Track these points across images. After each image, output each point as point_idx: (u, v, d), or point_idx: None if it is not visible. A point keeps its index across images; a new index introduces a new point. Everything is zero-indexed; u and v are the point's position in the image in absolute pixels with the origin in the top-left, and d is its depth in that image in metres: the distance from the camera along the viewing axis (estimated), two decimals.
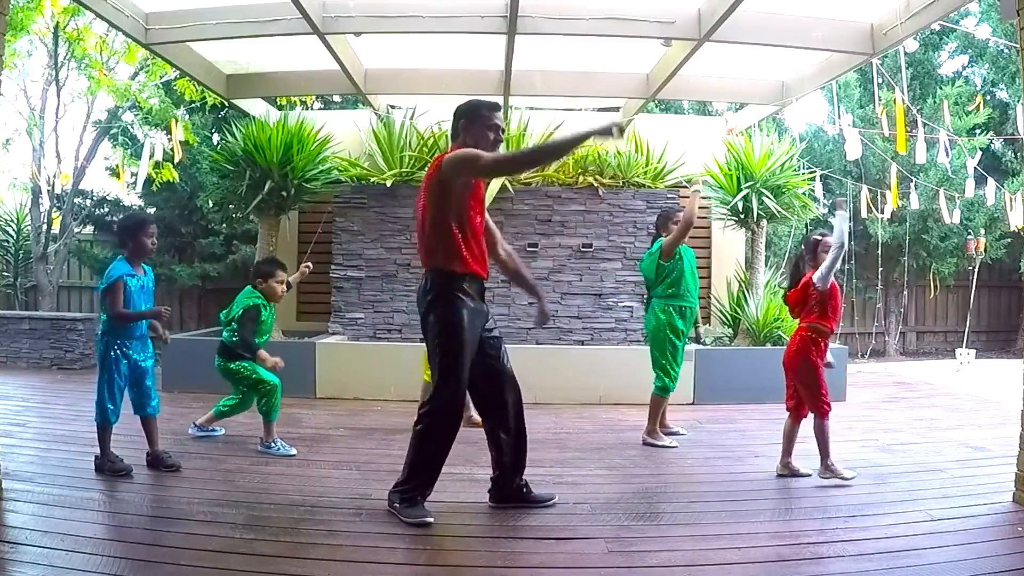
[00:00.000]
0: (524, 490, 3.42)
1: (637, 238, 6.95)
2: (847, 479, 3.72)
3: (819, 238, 3.82)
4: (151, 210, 9.78)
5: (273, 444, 4.29)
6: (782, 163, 6.93)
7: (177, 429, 4.73)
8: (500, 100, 7.26)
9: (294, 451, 4.27)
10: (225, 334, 4.41)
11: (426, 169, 3.33)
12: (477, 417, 5.03)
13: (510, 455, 3.37)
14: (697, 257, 7.72)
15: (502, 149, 3.39)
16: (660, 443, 4.60)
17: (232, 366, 4.35)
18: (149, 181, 8.61)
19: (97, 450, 3.82)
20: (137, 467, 3.81)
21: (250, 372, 4.32)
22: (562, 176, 7.19)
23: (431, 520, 3.11)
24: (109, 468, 3.75)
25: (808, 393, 3.78)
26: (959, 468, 4.10)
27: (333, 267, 6.97)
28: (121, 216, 4.81)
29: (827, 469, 3.75)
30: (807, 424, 3.84)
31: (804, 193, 7.15)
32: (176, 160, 8.15)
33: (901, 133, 6.28)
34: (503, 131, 3.26)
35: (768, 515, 3.32)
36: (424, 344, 3.37)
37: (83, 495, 3.41)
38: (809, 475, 3.81)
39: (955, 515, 3.28)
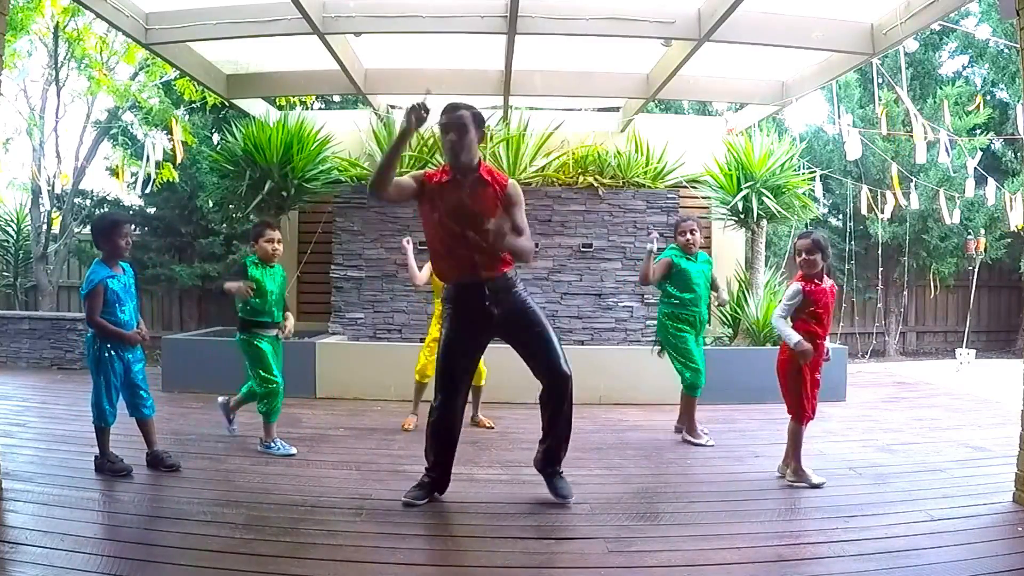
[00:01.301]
0: (554, 471, 3.48)
1: (637, 238, 6.95)
2: (816, 485, 3.67)
3: (797, 243, 3.85)
4: (151, 210, 9.80)
5: (273, 444, 4.28)
6: (782, 163, 6.93)
7: (177, 429, 4.73)
8: (500, 100, 7.27)
9: (294, 450, 4.27)
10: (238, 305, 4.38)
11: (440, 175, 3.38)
12: (481, 417, 5.08)
13: (547, 439, 3.49)
14: None
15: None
16: (697, 441, 4.64)
17: (242, 339, 4.34)
18: (150, 181, 8.61)
19: (97, 450, 3.82)
20: (137, 467, 3.81)
21: (256, 354, 4.28)
22: (562, 176, 7.18)
23: (411, 504, 3.33)
24: (109, 468, 3.75)
25: (791, 399, 3.79)
26: (959, 468, 4.10)
27: (333, 267, 6.97)
28: (96, 218, 4.79)
29: (794, 473, 3.75)
30: (813, 426, 3.86)
31: (804, 193, 7.15)
32: (177, 160, 8.15)
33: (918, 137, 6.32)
34: (446, 132, 3.30)
35: (768, 515, 3.32)
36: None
37: (83, 495, 3.41)
38: (823, 484, 3.75)
39: (955, 515, 3.28)
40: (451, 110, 3.32)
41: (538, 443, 3.54)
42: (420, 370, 4.94)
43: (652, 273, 4.63)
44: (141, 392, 3.87)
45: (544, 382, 3.42)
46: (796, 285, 3.77)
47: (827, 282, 3.80)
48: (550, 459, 3.47)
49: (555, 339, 3.41)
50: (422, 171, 3.50)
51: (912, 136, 7.20)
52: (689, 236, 4.66)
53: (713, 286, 4.82)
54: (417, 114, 3.04)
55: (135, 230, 9.44)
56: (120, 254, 3.83)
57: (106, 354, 3.75)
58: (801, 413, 3.75)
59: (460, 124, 3.25)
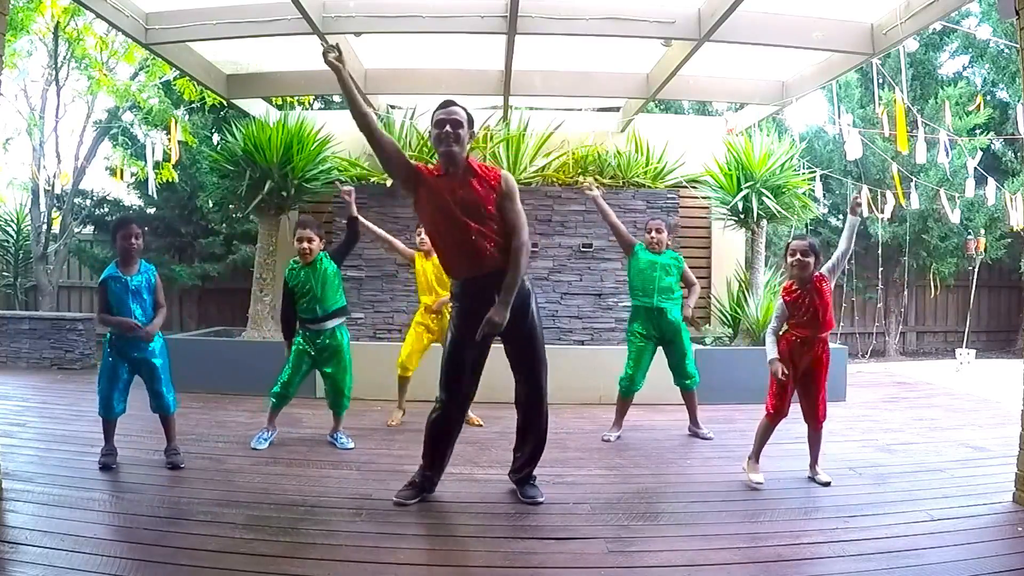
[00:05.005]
0: (526, 478, 3.52)
1: (637, 238, 6.94)
2: (754, 483, 3.72)
3: (791, 243, 3.82)
4: (151, 210, 9.79)
5: (259, 432, 4.48)
6: (782, 163, 6.92)
7: (177, 429, 4.71)
8: (500, 100, 7.27)
9: (263, 446, 4.39)
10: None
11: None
12: (471, 415, 5.08)
13: (518, 442, 3.57)
14: (697, 257, 7.81)
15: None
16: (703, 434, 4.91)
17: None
18: (151, 181, 8.61)
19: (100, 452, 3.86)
20: (136, 467, 3.82)
21: (341, 346, 4.49)
22: (562, 176, 7.18)
23: (402, 504, 3.35)
24: (100, 456, 3.87)
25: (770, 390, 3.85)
26: (959, 468, 4.10)
27: None
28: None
29: (747, 460, 3.87)
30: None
31: (804, 193, 7.15)
32: (174, 161, 8.14)
33: (902, 131, 6.28)
34: (441, 125, 3.36)
35: (768, 515, 3.32)
36: None
37: (83, 495, 3.41)
38: (760, 484, 3.86)
39: (955, 515, 3.29)
40: (447, 104, 3.41)
41: (513, 452, 3.60)
42: (402, 363, 5.11)
43: (616, 226, 4.89)
44: (160, 389, 3.99)
45: (524, 389, 3.47)
46: (779, 300, 3.84)
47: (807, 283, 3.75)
48: (529, 463, 3.51)
49: (544, 356, 3.46)
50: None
51: (913, 136, 7.19)
52: (654, 234, 4.84)
53: (685, 280, 4.89)
54: (332, 54, 3.36)
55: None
56: (125, 253, 3.89)
57: (106, 347, 3.89)
58: (768, 404, 3.80)
59: (455, 119, 3.34)
